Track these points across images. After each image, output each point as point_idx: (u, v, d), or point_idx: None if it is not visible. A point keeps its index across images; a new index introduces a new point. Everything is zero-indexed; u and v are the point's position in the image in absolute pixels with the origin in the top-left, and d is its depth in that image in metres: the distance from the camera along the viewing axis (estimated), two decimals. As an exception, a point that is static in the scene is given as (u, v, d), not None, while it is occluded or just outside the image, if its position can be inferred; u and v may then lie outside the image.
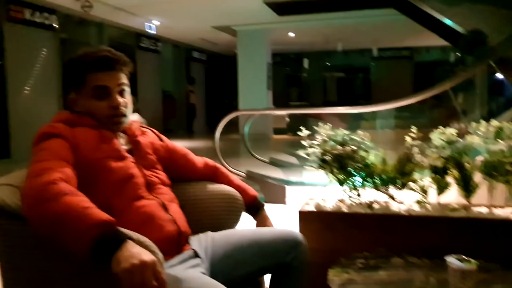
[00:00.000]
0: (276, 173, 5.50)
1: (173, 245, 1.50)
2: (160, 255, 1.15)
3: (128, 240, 1.11)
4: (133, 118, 1.71)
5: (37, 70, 8.99)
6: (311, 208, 2.17)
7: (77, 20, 10.34)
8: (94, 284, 1.17)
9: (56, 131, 1.45)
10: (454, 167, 2.02)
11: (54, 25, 9.25)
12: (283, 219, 2.79)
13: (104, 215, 1.14)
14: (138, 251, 1.09)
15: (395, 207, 2.13)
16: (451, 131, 2.06)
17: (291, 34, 14.07)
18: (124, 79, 1.59)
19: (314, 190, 2.43)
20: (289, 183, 4.97)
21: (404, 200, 2.19)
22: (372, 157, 2.10)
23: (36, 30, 8.87)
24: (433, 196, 2.10)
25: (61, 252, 1.18)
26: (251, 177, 4.83)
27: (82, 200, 1.18)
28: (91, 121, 1.54)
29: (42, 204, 1.16)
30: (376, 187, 2.10)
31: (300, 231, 2.08)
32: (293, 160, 6.26)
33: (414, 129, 2.14)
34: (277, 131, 12.77)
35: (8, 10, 8.17)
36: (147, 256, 1.08)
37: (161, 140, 1.80)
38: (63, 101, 9.17)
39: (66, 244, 1.13)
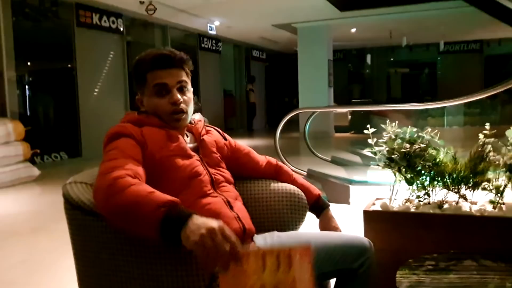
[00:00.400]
0: (339, 172, 5.42)
1: (238, 242, 1.51)
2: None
3: (194, 215, 1.11)
4: (195, 117, 1.74)
5: (105, 72, 9.36)
6: (376, 207, 2.12)
7: (142, 23, 10.68)
8: (163, 282, 1.19)
9: (124, 130, 1.49)
10: (532, 165, 1.90)
11: (120, 28, 9.60)
12: (348, 220, 2.73)
13: (168, 196, 1.16)
14: (203, 221, 1.08)
15: (466, 207, 2.04)
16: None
17: (353, 30, 13.83)
18: (184, 77, 1.61)
19: (379, 189, 2.36)
20: (352, 182, 4.88)
21: (476, 201, 2.09)
22: (442, 155, 2.01)
23: (103, 34, 9.24)
24: (509, 197, 1.98)
25: (132, 248, 1.22)
26: (312, 176, 4.78)
27: (146, 188, 1.22)
28: (157, 121, 1.58)
29: (110, 198, 1.20)
30: (446, 186, 2.01)
31: (365, 231, 2.04)
32: (356, 158, 6.16)
33: (487, 125, 2.03)
34: (339, 129, 12.62)
35: (78, 15, 8.55)
36: (213, 223, 1.07)
37: (225, 139, 1.81)
38: (130, 101, 9.54)
39: (138, 230, 1.17)
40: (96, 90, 9.11)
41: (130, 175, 1.27)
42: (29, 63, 9.65)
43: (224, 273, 1.02)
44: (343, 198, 4.46)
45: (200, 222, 1.08)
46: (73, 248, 1.42)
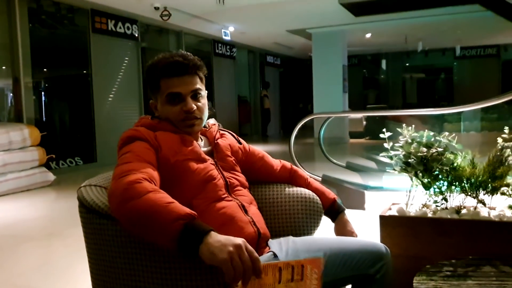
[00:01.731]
0: (354, 178, 5.38)
1: (252, 247, 1.48)
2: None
3: (211, 232, 1.11)
4: (210, 121, 1.74)
5: (120, 78, 9.43)
6: (393, 212, 2.09)
7: (157, 29, 10.75)
8: (177, 286, 1.18)
9: (139, 134, 1.49)
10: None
11: (135, 34, 9.67)
12: (363, 226, 2.70)
13: (187, 209, 1.15)
14: (226, 238, 1.09)
15: (485, 212, 2.01)
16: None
17: (368, 35, 13.78)
18: (198, 83, 1.59)
19: (395, 195, 2.34)
20: (367, 188, 4.84)
21: (495, 206, 2.05)
22: (460, 160, 1.98)
23: (118, 40, 9.31)
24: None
25: (147, 253, 1.21)
26: (327, 182, 4.75)
27: (165, 197, 1.20)
28: (171, 126, 1.57)
29: (127, 203, 1.19)
30: (464, 191, 1.98)
31: (381, 236, 2.01)
32: (371, 164, 6.11)
33: (506, 129, 2.00)
34: (354, 135, 12.56)
35: (93, 22, 8.64)
36: (237, 240, 1.09)
37: (239, 142, 1.80)
38: (145, 107, 9.59)
39: (154, 239, 1.16)
40: (111, 96, 9.17)
41: (146, 179, 1.27)
42: (45, 70, 9.75)
43: (244, 287, 1.07)
44: (358, 204, 4.43)
45: (223, 239, 1.09)
46: (88, 252, 1.41)
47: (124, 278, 1.27)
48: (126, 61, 9.55)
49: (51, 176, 6.73)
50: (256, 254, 1.09)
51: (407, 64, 19.61)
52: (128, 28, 9.45)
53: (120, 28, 9.25)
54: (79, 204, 1.40)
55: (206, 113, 1.63)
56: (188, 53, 1.61)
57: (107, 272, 1.32)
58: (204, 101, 1.62)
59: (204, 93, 1.62)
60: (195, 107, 1.57)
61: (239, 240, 1.09)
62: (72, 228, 4.13)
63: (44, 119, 9.49)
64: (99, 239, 1.33)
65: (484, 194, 1.99)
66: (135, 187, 1.21)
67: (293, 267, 1.13)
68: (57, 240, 3.99)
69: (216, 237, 1.09)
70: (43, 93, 9.80)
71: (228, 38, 12.39)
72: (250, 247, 1.09)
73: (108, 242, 1.29)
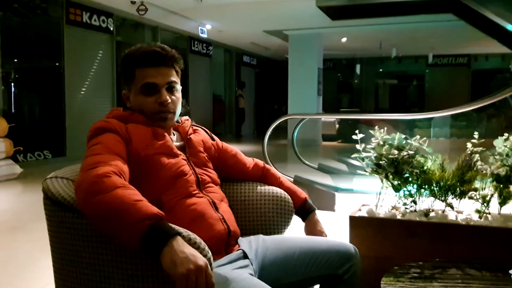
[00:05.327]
0: (325, 180, 5.42)
1: (222, 244, 1.48)
2: (210, 254, 1.14)
3: (177, 236, 1.10)
4: (183, 118, 1.71)
5: (93, 72, 9.27)
6: (362, 214, 2.10)
7: (133, 23, 10.62)
8: (143, 282, 1.17)
9: (109, 126, 1.46)
10: (519, 176, 1.91)
11: (110, 28, 9.53)
12: (332, 227, 2.72)
13: (155, 209, 1.14)
14: (192, 252, 1.08)
15: (452, 216, 2.04)
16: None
17: (344, 39, 13.91)
18: (173, 76, 1.57)
19: (365, 197, 2.36)
20: (338, 189, 4.88)
21: (462, 210, 2.08)
22: (430, 163, 2.01)
23: (93, 33, 9.16)
24: (495, 206, 1.98)
25: (112, 247, 1.19)
26: (298, 183, 4.77)
27: (134, 194, 1.18)
28: (143, 118, 1.54)
29: (94, 196, 1.16)
30: (433, 194, 2.01)
31: (350, 237, 2.03)
32: (342, 167, 6.17)
33: (475, 134, 2.04)
34: (326, 137, 12.66)
35: (67, 13, 8.47)
36: (201, 260, 1.07)
37: (212, 139, 1.78)
38: (117, 102, 9.45)
39: (118, 236, 1.14)
40: (83, 89, 9.01)
41: (115, 173, 1.24)
42: (15, 60, 9.53)
43: None
44: (329, 205, 4.46)
45: (189, 252, 1.07)
46: (51, 245, 1.37)
47: (88, 273, 1.24)
48: (100, 55, 9.40)
49: (17, 169, 6.57)
50: (212, 281, 1.08)
51: (380, 70, 19.90)
52: (103, 21, 9.30)
53: (95, 21, 9.09)
54: (44, 196, 1.36)
55: (179, 107, 1.60)
56: (166, 46, 1.59)
57: (71, 266, 1.29)
58: (178, 95, 1.59)
59: (179, 87, 1.60)
60: (169, 100, 1.54)
61: (202, 261, 1.07)
62: (37, 223, 4.03)
63: (12, 110, 9.27)
64: (64, 232, 1.29)
65: (452, 198, 2.02)
66: (103, 181, 1.18)
67: None
68: (20, 234, 3.90)
69: (182, 246, 1.08)
70: (12, 83, 9.57)
71: (204, 35, 12.32)
72: (210, 272, 1.08)
73: (73, 235, 1.26)
